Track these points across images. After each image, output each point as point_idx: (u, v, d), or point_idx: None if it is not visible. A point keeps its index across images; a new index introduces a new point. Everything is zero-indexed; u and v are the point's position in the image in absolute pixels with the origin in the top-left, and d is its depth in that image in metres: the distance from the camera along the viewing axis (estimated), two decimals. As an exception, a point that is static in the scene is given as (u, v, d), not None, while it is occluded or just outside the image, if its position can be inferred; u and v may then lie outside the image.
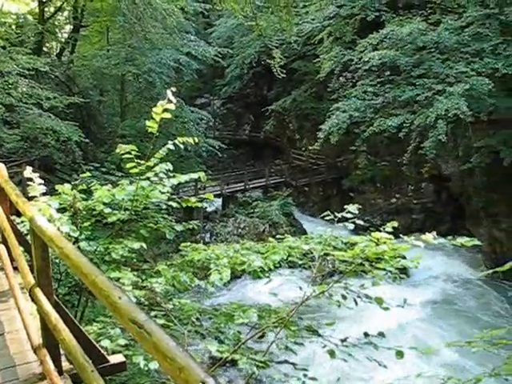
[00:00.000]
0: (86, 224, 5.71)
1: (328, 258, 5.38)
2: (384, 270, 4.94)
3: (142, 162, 5.42)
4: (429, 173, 27.64)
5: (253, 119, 46.09)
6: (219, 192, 28.25)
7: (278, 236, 6.11)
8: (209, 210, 28.86)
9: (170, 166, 5.71)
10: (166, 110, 4.89)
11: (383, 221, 27.39)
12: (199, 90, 47.80)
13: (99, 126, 29.75)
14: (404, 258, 5.09)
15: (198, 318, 5.79)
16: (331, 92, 31.93)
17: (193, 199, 5.95)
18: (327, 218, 5.39)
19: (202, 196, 6.51)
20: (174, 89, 4.85)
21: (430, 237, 4.56)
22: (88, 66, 29.05)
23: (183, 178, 5.69)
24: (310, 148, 30.93)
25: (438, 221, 27.79)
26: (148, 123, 5.05)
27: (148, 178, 5.55)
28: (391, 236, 4.73)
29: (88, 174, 6.75)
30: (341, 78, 31.86)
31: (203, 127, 35.16)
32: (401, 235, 4.91)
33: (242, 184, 30.38)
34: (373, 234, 4.74)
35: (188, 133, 26.23)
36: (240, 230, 25.73)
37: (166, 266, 5.88)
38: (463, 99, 22.52)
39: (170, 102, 4.81)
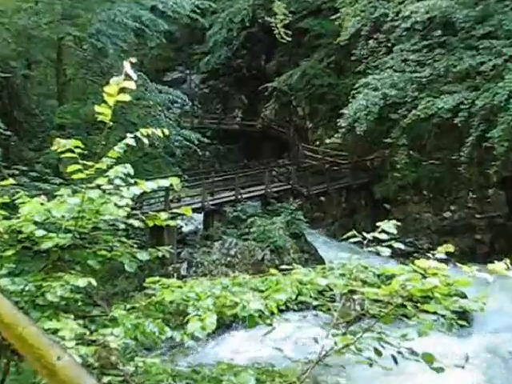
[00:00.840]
0: (8, 253, 5.71)
1: (355, 296, 5.41)
2: (435, 313, 4.94)
3: (90, 163, 5.43)
4: (498, 174, 27.71)
5: (246, 102, 46.23)
6: (200, 205, 28.27)
7: (283, 266, 6.13)
8: (185, 230, 28.85)
9: (129, 170, 5.73)
10: (122, 90, 4.91)
11: (433, 243, 27.50)
12: (170, 61, 47.99)
13: (26, 111, 29.75)
14: (464, 296, 5.10)
15: (170, 385, 5.79)
16: (357, 61, 32.07)
17: (162, 215, 5.96)
18: (352, 240, 5.41)
19: (175, 211, 6.52)
20: (133, 59, 4.86)
21: (500, 266, 4.54)
22: (8, 24, 29.02)
23: (148, 185, 5.69)
24: (328, 142, 31.13)
25: (512, 242, 27.86)
26: (98, 108, 5.07)
27: (99, 187, 5.56)
28: (444, 265, 4.75)
29: (11, 180, 6.75)
30: (370, 42, 31.99)
31: (176, 113, 35.17)
32: (458, 264, 4.93)
33: (233, 193, 30.42)
34: (417, 261, 4.75)
35: (155, 122, 26.31)
36: (230, 259, 25.75)
37: (124, 310, 5.89)
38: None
39: (128, 78, 4.83)
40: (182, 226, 27.98)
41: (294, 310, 16.63)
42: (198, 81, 48.87)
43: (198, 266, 25.07)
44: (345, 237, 5.62)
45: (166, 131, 5.70)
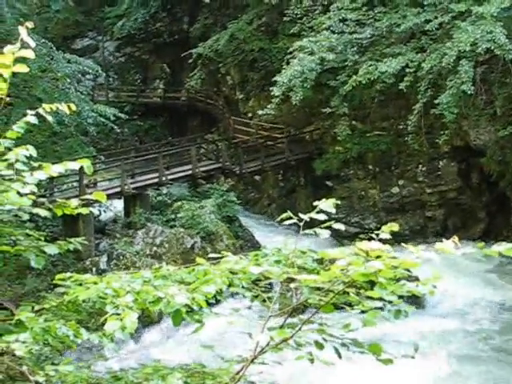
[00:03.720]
0: None
1: (291, 285, 5.40)
2: (381, 300, 4.93)
3: (-16, 145, 5.33)
4: (449, 144, 28.13)
5: (168, 71, 45.95)
6: (119, 189, 28.04)
7: (212, 255, 6.08)
8: (103, 218, 28.58)
9: (32, 151, 5.62)
10: (18, 60, 4.81)
11: (380, 223, 27.83)
12: (79, 27, 47.28)
13: None
14: (416, 279, 5.10)
15: (88, 394, 5.76)
16: (291, 23, 32.07)
17: (74, 202, 5.86)
18: (288, 221, 5.35)
19: (88, 197, 6.37)
20: (30, 24, 4.77)
21: (449, 245, 4.49)
22: None
23: (55, 169, 5.57)
24: (261, 113, 31.02)
25: (467, 219, 28.41)
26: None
27: (-4, 172, 5.47)
28: (387, 246, 4.68)
29: None
30: (305, 0, 32.05)
31: (89, 86, 34.78)
32: (403, 244, 4.94)
33: (156, 175, 30.21)
34: (358, 243, 4.71)
35: (64, 96, 25.90)
36: (155, 249, 25.63)
37: (32, 312, 5.81)
38: (500, 24, 22.89)
39: (25, 45, 4.73)
40: (99, 215, 27.71)
41: (226, 303, 16.80)
42: (112, 48, 48.27)
43: (119, 259, 24.84)
44: (279, 219, 5.56)
45: (73, 106, 5.59)
